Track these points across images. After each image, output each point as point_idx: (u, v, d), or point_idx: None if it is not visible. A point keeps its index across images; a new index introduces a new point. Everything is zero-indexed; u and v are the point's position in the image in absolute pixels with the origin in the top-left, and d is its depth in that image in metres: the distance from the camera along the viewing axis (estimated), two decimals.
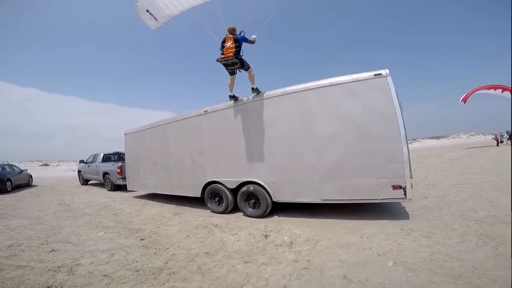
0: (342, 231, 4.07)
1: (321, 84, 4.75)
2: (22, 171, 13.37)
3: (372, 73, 4.39)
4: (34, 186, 13.67)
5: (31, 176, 14.11)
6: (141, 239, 4.35)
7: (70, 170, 24.74)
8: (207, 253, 3.57)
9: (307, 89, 4.87)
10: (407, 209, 4.99)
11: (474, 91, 20.33)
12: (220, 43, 5.12)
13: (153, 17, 5.72)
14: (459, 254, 2.92)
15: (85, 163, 13.38)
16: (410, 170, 4.51)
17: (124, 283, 2.79)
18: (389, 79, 4.30)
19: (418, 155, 18.94)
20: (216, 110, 6.09)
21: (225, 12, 5.74)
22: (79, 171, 14.15)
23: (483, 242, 3.19)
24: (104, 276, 2.97)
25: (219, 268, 3.06)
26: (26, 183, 13.28)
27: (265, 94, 5.35)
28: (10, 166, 12.76)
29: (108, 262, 3.39)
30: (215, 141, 6.10)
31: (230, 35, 5.04)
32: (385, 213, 4.80)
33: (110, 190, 10.98)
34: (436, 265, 2.69)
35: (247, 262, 3.19)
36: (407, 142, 4.33)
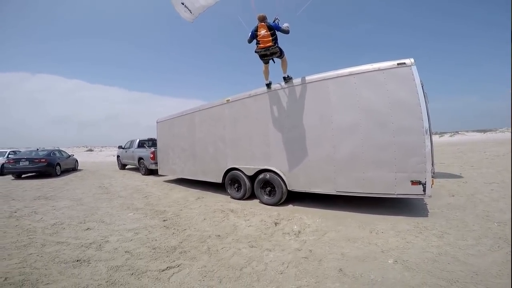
0: (353, 225, 4.04)
1: (340, 74, 4.64)
2: (69, 156, 14.65)
3: (395, 62, 4.19)
4: (80, 170, 14.97)
5: (77, 161, 15.48)
6: (164, 220, 4.74)
7: (111, 155, 26.70)
8: (219, 235, 3.82)
9: (325, 79, 4.79)
10: (428, 207, 4.75)
11: None
12: (250, 32, 4.94)
13: (188, 9, 5.76)
14: (466, 257, 2.78)
15: (123, 148, 14.38)
16: (433, 165, 4.29)
17: (141, 258, 3.12)
18: (414, 68, 4.07)
19: (458, 149, 17.31)
20: (237, 100, 6.26)
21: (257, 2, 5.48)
22: (117, 156, 15.27)
23: (498, 246, 2.98)
24: (125, 252, 3.34)
25: (226, 250, 3.27)
26: (73, 168, 14.54)
27: (282, 84, 5.37)
28: (60, 151, 14.07)
29: (131, 240, 3.78)
30: (235, 130, 6.31)
31: (263, 23, 4.84)
32: (403, 209, 4.63)
33: (144, 174, 11.83)
34: (437, 267, 2.60)
35: (252, 247, 3.36)
36: (430, 135, 4.10)
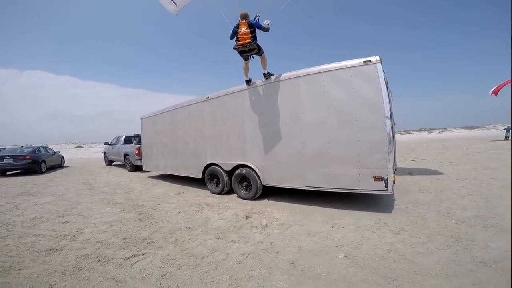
0: (318, 219, 4.20)
1: (310, 72, 4.78)
2: (55, 153, 14.60)
3: (361, 60, 4.29)
4: (66, 167, 14.96)
5: (63, 157, 15.42)
6: (140, 214, 4.90)
7: (99, 152, 26.56)
8: (189, 228, 4.00)
9: (297, 77, 4.94)
10: (395, 203, 4.90)
11: (507, 83, 18.51)
12: (232, 28, 5.06)
13: (173, 1, 5.74)
14: (413, 255, 2.86)
15: (109, 144, 14.39)
16: (395, 163, 4.50)
17: (110, 248, 3.29)
18: (379, 66, 4.17)
19: (443, 145, 17.60)
20: (216, 97, 6.42)
21: None
22: (104, 153, 15.28)
23: (448, 245, 3.07)
24: (97, 242, 3.51)
25: (192, 241, 3.46)
26: (58, 164, 14.53)
27: (257, 81, 5.54)
28: (45, 148, 14.00)
29: (105, 232, 3.93)
30: (214, 126, 6.48)
31: (244, 21, 4.97)
32: (370, 205, 4.78)
33: (129, 171, 11.93)
34: (382, 264, 2.69)
35: (218, 238, 3.54)
36: (393, 133, 4.25)
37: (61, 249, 3.30)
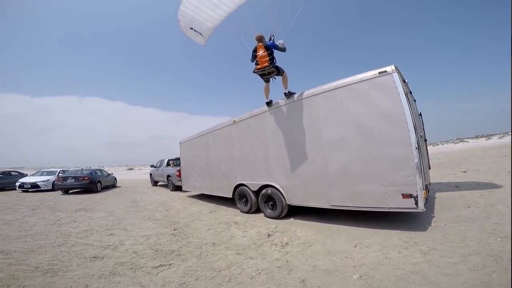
0: (342, 238, 4.09)
1: (327, 88, 4.81)
2: (109, 174, 16.50)
3: (377, 71, 4.18)
4: (118, 187, 16.62)
5: (115, 178, 17.23)
6: (174, 229, 5.32)
7: (147, 173, 28.75)
8: (214, 243, 4.25)
9: (314, 94, 5.01)
10: (434, 219, 4.51)
11: None
12: (251, 52, 5.26)
13: (198, 32, 6.22)
14: (437, 277, 2.66)
15: (155, 167, 15.76)
16: (425, 178, 4.18)
17: (143, 258, 3.70)
18: (395, 75, 4.00)
19: (503, 152, 15.12)
20: (241, 120, 6.82)
21: (254, 17, 6.00)
22: (150, 174, 16.70)
23: (483, 265, 2.78)
24: (133, 252, 3.95)
25: (214, 256, 3.69)
26: (112, 184, 16.29)
27: (276, 103, 5.77)
28: (101, 170, 16.02)
29: (141, 244, 4.39)
30: (242, 148, 6.83)
31: (260, 44, 5.12)
32: (404, 223, 4.46)
33: (172, 190, 12.84)
34: (398, 286, 2.57)
35: (238, 254, 3.72)
36: (419, 145, 3.94)
37: (103, 257, 3.79)
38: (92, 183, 13.25)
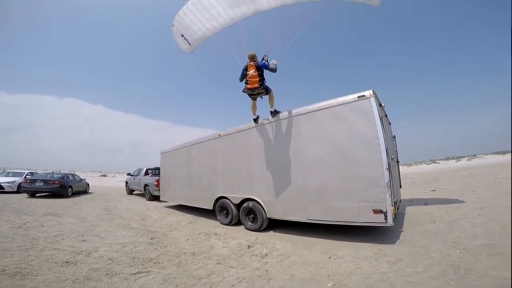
0: (318, 250, 4.28)
1: (310, 109, 5.10)
2: (81, 180, 15.74)
3: (356, 95, 4.48)
4: (90, 193, 15.84)
5: (88, 184, 16.47)
6: (151, 238, 5.21)
7: (122, 181, 27.74)
8: (193, 253, 4.25)
9: (298, 114, 5.30)
10: (402, 234, 4.81)
11: None
12: (241, 70, 5.25)
13: (187, 41, 6.25)
14: (403, 285, 2.89)
15: (131, 175, 15.33)
16: (394, 196, 4.52)
17: (119, 264, 3.62)
18: (372, 100, 4.29)
19: (470, 173, 16.14)
20: (227, 134, 6.98)
21: (249, 34, 5.99)
22: (126, 182, 16.19)
23: (443, 274, 3.05)
24: (109, 259, 3.85)
25: (194, 265, 3.71)
26: (84, 190, 15.53)
27: (263, 120, 6.00)
28: (73, 175, 15.25)
29: (117, 251, 4.27)
30: (225, 161, 6.94)
31: (252, 63, 5.10)
32: (375, 237, 4.74)
33: (148, 200, 12.47)
34: None
35: (218, 264, 3.76)
36: (390, 166, 4.30)
37: (76, 262, 3.66)
38: (62, 188, 12.54)
